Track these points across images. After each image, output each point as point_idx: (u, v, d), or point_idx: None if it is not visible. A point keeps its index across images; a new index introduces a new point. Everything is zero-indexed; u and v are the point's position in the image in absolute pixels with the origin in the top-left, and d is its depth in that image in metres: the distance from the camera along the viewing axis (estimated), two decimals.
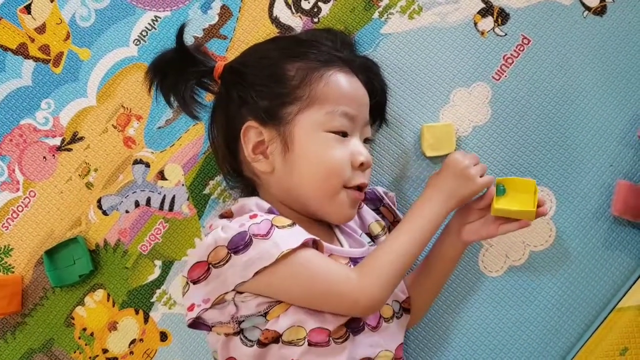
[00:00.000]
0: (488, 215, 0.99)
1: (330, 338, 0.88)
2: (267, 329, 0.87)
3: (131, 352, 1.12)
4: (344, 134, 0.96)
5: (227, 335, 0.90)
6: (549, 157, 1.11)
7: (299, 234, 0.88)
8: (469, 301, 1.10)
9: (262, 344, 0.87)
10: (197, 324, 0.90)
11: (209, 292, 0.87)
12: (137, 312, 1.13)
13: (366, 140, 1.01)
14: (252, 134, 0.97)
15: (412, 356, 1.10)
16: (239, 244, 0.85)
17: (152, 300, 1.13)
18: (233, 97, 0.99)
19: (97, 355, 1.13)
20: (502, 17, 1.13)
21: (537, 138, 1.11)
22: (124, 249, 1.13)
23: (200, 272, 0.87)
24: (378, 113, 1.10)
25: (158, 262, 1.13)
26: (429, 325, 1.10)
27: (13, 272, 1.14)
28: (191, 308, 0.88)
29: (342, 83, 0.97)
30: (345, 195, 0.96)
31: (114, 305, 1.13)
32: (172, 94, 1.02)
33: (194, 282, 0.88)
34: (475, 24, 1.13)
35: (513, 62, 1.12)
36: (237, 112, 0.99)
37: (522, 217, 0.96)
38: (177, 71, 1.02)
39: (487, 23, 1.13)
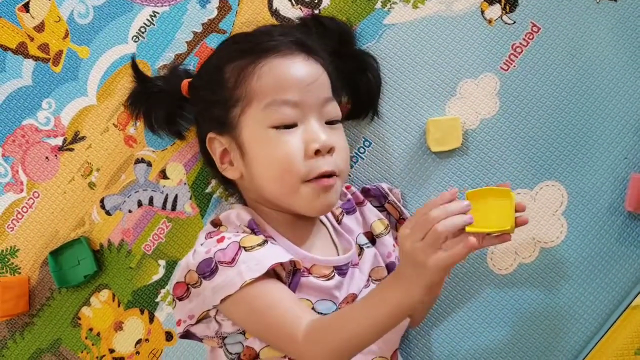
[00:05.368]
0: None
1: None
2: (247, 346, 0.89)
3: (137, 352, 1.12)
4: (293, 125, 0.92)
5: (212, 347, 0.93)
6: (561, 150, 1.07)
7: (267, 258, 0.86)
8: (478, 299, 1.07)
9: None
10: (189, 334, 0.92)
11: (192, 309, 0.89)
12: (142, 312, 1.13)
13: (333, 122, 0.95)
14: (215, 144, 0.97)
15: (419, 355, 1.08)
16: (205, 271, 0.86)
17: (156, 300, 1.12)
18: (196, 110, 1.02)
19: (104, 355, 1.13)
20: (510, 4, 1.08)
21: (548, 130, 1.07)
22: (128, 249, 1.13)
23: (182, 291, 0.89)
24: (367, 102, 1.07)
25: (162, 262, 1.12)
26: (436, 324, 1.08)
27: (19, 273, 1.14)
28: (178, 323, 0.91)
29: (276, 71, 0.92)
30: (308, 189, 0.91)
31: (119, 306, 1.13)
32: (153, 124, 1.07)
33: (179, 299, 0.89)
34: (482, 12, 1.09)
35: (522, 51, 1.08)
36: (203, 125, 1.01)
37: (502, 233, 0.89)
38: (146, 102, 1.07)
39: (495, 11, 1.08)
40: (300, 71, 0.93)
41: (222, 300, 0.85)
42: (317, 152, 0.91)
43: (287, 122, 0.91)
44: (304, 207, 0.93)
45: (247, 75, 0.92)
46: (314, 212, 0.95)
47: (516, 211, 0.89)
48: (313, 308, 0.90)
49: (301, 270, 0.90)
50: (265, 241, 0.89)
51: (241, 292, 0.83)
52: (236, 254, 0.85)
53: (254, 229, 0.93)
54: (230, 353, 0.90)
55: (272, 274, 0.88)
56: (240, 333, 0.89)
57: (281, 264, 0.87)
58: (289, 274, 0.89)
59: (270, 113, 0.91)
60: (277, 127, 0.91)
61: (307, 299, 0.90)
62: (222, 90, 0.95)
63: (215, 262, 0.86)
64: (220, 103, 0.95)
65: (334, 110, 0.96)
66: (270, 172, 0.92)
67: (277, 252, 0.88)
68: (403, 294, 0.79)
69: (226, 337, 0.90)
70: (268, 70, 0.92)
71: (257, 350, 0.88)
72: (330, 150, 0.92)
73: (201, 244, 0.90)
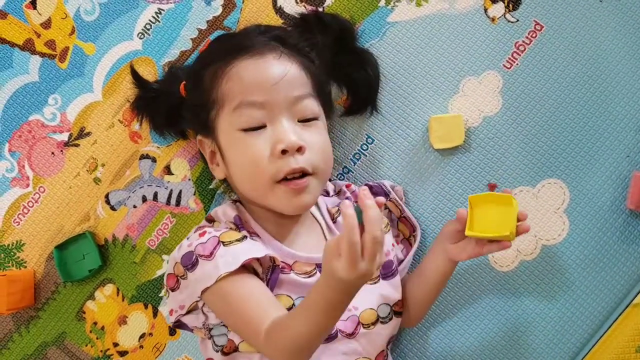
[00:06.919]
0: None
1: None
2: (229, 339, 0.90)
3: (141, 346, 1.13)
4: (261, 126, 0.92)
5: (202, 338, 0.96)
6: (563, 147, 1.07)
7: (243, 253, 0.87)
8: (479, 296, 1.08)
9: (224, 354, 0.91)
10: (180, 324, 0.95)
11: (183, 300, 0.91)
12: (146, 307, 1.14)
13: (309, 120, 0.94)
14: (204, 146, 1.00)
15: (420, 352, 1.09)
16: (187, 263, 0.89)
17: (160, 295, 1.13)
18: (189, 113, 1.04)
19: (108, 349, 1.14)
20: (514, 2, 1.08)
21: (550, 128, 1.07)
22: (132, 244, 1.14)
23: (173, 282, 0.92)
24: (366, 98, 1.08)
25: (166, 257, 1.13)
26: (437, 321, 1.09)
27: (25, 267, 1.15)
28: (170, 313, 0.94)
29: (242, 73, 0.92)
30: (281, 190, 0.91)
31: (123, 300, 1.14)
32: (156, 126, 1.10)
33: (172, 290, 0.92)
34: (486, 10, 1.09)
35: (525, 49, 1.08)
36: (194, 127, 1.04)
37: (501, 239, 0.91)
38: (147, 107, 1.09)
39: (498, 9, 1.09)
40: (267, 71, 0.92)
41: (202, 293, 0.87)
42: (285, 152, 0.90)
43: (254, 125, 0.91)
44: (279, 207, 0.93)
45: (218, 78, 0.94)
46: (290, 211, 0.94)
47: (518, 220, 0.90)
48: (294, 305, 0.90)
49: (280, 267, 0.90)
50: (245, 237, 0.90)
51: (217, 285, 0.86)
52: (214, 248, 0.88)
53: (238, 224, 0.95)
54: (217, 345, 0.92)
55: (250, 269, 0.89)
56: (224, 325, 0.91)
57: (258, 259, 0.88)
58: (267, 270, 0.90)
59: (237, 116, 0.91)
60: (245, 130, 0.91)
61: (288, 296, 0.90)
62: (202, 94, 0.96)
63: (196, 256, 0.88)
64: (202, 106, 0.97)
65: (309, 107, 0.93)
66: (242, 174, 0.94)
67: (254, 248, 0.89)
68: (336, 296, 0.77)
69: (212, 328, 0.92)
70: (236, 72, 0.92)
71: (237, 343, 0.90)
72: (300, 150, 0.90)
73: (187, 238, 0.94)
